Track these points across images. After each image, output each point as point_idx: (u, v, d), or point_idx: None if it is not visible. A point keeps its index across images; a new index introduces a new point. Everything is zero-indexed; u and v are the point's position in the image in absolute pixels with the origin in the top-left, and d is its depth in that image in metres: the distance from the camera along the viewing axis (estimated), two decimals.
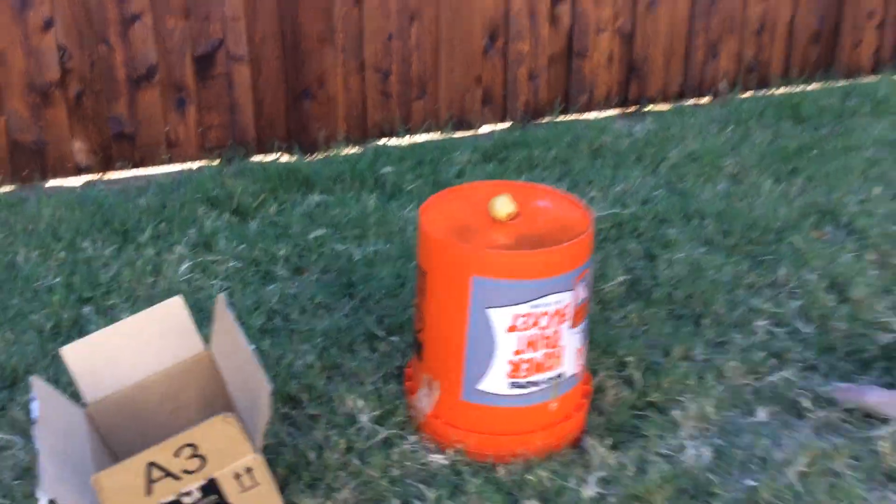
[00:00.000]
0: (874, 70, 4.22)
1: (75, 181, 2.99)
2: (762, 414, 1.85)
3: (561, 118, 3.60)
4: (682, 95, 3.86)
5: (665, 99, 3.84)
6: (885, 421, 1.80)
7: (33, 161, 2.95)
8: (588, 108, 3.70)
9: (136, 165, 3.08)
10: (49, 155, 2.96)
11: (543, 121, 3.60)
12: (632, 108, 3.78)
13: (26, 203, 2.73)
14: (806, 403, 1.87)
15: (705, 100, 3.88)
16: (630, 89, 3.75)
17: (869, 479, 1.68)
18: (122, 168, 3.05)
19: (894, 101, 3.66)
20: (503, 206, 1.66)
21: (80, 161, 3.01)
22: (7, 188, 2.91)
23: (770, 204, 2.75)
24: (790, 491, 1.61)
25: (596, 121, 3.54)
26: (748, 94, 3.91)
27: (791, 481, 1.64)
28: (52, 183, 2.97)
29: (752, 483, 1.64)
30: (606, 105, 3.73)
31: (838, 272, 2.35)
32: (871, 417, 1.82)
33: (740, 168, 3.04)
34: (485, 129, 3.52)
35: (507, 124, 3.56)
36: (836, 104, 3.67)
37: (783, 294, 2.27)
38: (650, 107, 3.78)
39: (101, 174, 3.05)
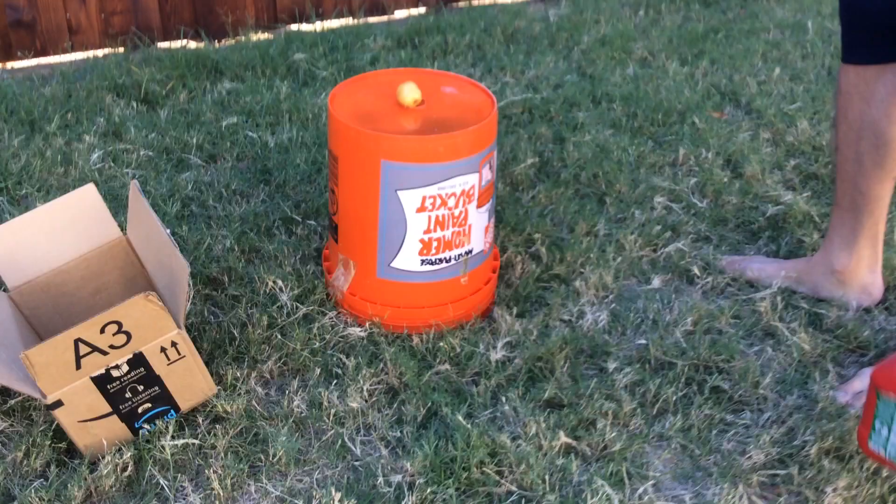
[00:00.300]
0: None
1: None
2: (657, 281, 2.00)
3: (477, 2, 3.60)
4: None
5: None
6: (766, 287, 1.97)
7: None
8: None
9: (38, 54, 2.97)
10: None
11: (459, 4, 3.59)
12: None
13: None
14: (696, 271, 2.03)
15: None
16: None
17: (749, 335, 1.86)
18: (23, 57, 2.94)
19: None
20: (410, 92, 1.71)
21: None
22: None
23: (675, 87, 2.86)
24: (676, 347, 1.78)
25: (511, 5, 3.55)
26: None
27: (678, 339, 1.81)
28: None
29: (643, 342, 1.80)
30: None
31: (734, 150, 2.49)
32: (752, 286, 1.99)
33: (649, 52, 3.12)
34: (399, 13, 3.50)
35: (421, 9, 3.54)
36: None
37: (681, 172, 2.41)
38: None
39: (2, 64, 2.94)
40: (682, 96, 2.78)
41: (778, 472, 1.53)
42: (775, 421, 1.64)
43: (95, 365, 1.40)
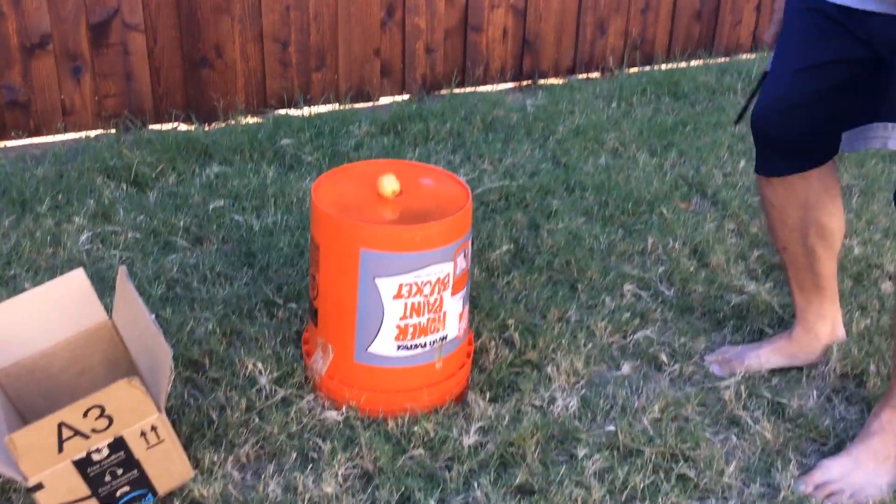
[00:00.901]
0: (752, 49, 4.54)
1: None
2: (626, 368, 2.07)
3: (458, 90, 3.75)
4: (573, 70, 4.07)
5: (557, 73, 4.04)
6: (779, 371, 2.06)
7: None
8: (484, 81, 3.87)
9: (31, 134, 3.06)
10: None
11: (441, 92, 3.74)
12: (526, 82, 3.96)
13: None
14: (664, 358, 2.10)
15: (595, 74, 4.10)
16: (524, 63, 3.93)
17: (714, 423, 1.92)
18: (17, 137, 3.03)
19: None
20: (389, 184, 1.80)
21: None
22: None
23: (645, 177, 2.99)
24: (644, 435, 1.83)
25: (491, 94, 3.70)
26: (634, 70, 4.15)
27: (646, 426, 1.86)
28: None
29: (612, 428, 1.85)
30: (502, 78, 3.90)
31: (700, 239, 2.60)
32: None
33: (620, 142, 3.26)
34: (384, 100, 3.64)
35: (405, 96, 3.69)
36: (712, 81, 3.94)
37: (650, 260, 2.51)
38: (543, 81, 3.97)
39: None
40: (651, 186, 2.91)
41: None
42: None
43: (77, 448, 1.44)
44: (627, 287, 2.35)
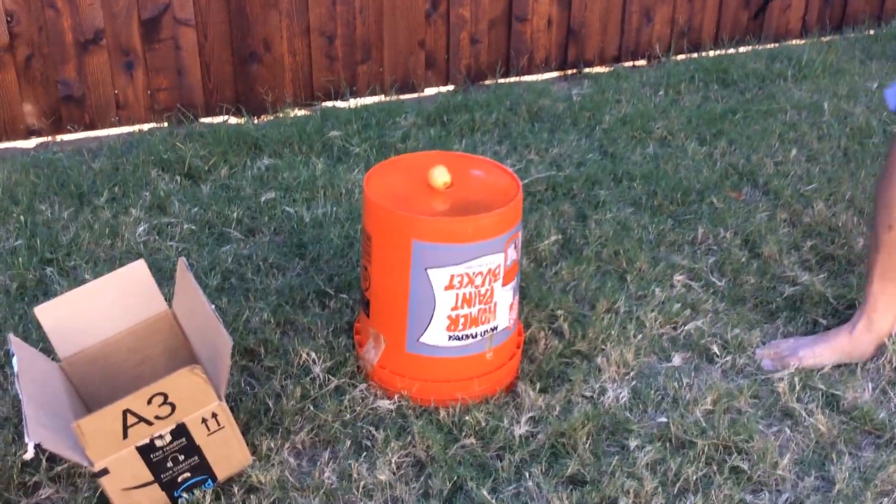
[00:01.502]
0: (802, 34, 4.45)
1: (27, 144, 3.05)
2: (677, 359, 2.06)
3: (503, 80, 3.75)
4: (618, 59, 4.03)
5: (602, 62, 4.01)
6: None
7: None
8: (528, 71, 3.85)
9: (86, 128, 3.14)
10: (0, 118, 3.01)
11: (486, 83, 3.74)
12: (571, 71, 3.94)
13: None
14: (716, 350, 2.09)
15: (641, 62, 4.06)
16: (569, 52, 3.90)
17: (767, 415, 1.91)
18: (72, 131, 3.11)
19: (817, 64, 3.89)
20: (440, 175, 1.82)
21: (32, 124, 3.06)
22: None
23: (694, 166, 2.96)
24: (696, 427, 1.83)
25: (536, 83, 3.69)
26: (681, 57, 4.10)
27: (698, 418, 1.86)
28: (5, 145, 3.02)
29: (664, 420, 1.85)
30: (546, 68, 3.89)
31: (751, 230, 2.57)
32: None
33: (669, 131, 3.23)
34: (429, 91, 3.65)
35: (450, 87, 3.69)
36: (762, 68, 3.88)
37: (700, 251, 2.48)
38: (588, 70, 3.95)
39: (52, 137, 3.10)
40: (700, 176, 2.88)
41: None
42: (793, 502, 1.68)
43: (141, 435, 1.48)
44: (677, 277, 2.34)
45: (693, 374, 2.01)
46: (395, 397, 1.88)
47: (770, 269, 2.39)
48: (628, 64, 4.04)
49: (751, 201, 2.76)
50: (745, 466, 1.73)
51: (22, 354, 1.56)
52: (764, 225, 2.59)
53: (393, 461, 1.71)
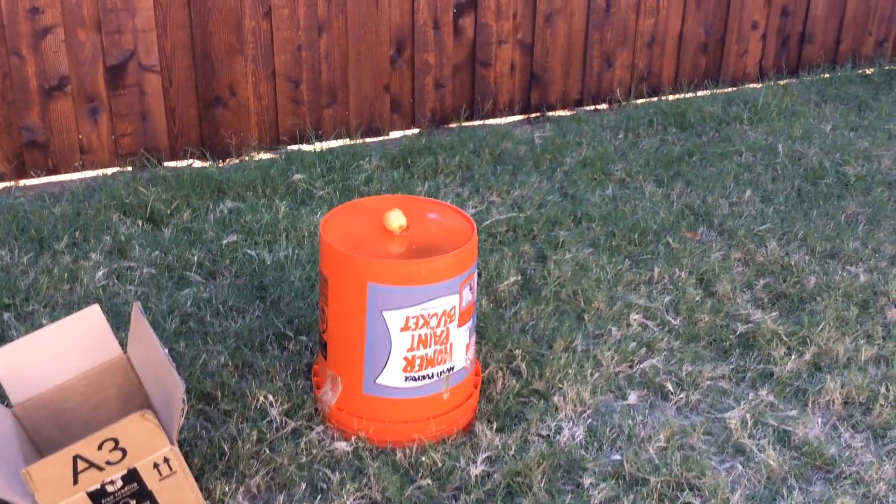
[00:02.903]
0: (759, 78, 4.58)
1: None
2: (633, 397, 2.09)
3: (467, 123, 3.82)
4: (580, 102, 4.13)
5: (565, 105, 4.10)
6: None
7: None
8: (493, 115, 3.93)
9: (49, 172, 3.14)
10: None
11: (451, 126, 3.80)
12: (534, 115, 4.02)
13: None
14: (670, 387, 2.12)
15: (603, 106, 4.16)
16: (532, 96, 3.99)
17: (720, 451, 1.94)
18: (35, 176, 3.11)
19: (773, 107, 4.00)
20: (395, 219, 1.85)
21: None
22: None
23: (651, 207, 3.02)
24: (650, 464, 1.85)
25: (499, 127, 3.76)
26: (641, 101, 4.20)
27: (652, 455, 1.88)
28: None
29: (618, 458, 1.87)
30: (510, 111, 3.96)
31: (706, 269, 2.62)
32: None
33: (627, 173, 3.30)
34: (394, 134, 3.71)
35: (415, 130, 3.75)
36: (719, 111, 3.98)
37: (657, 290, 2.53)
38: (551, 113, 4.03)
39: (14, 182, 3.10)
40: (657, 217, 2.94)
41: None
42: None
43: (92, 480, 1.47)
44: (634, 317, 2.38)
45: (648, 411, 2.04)
46: (353, 439, 1.89)
47: (724, 308, 2.44)
48: (590, 107, 4.14)
49: (706, 241, 2.82)
50: (697, 503, 1.76)
51: None
52: (718, 264, 2.65)
53: None
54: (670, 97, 4.27)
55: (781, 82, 4.51)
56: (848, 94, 4.30)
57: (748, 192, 3.16)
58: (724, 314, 2.42)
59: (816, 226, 2.92)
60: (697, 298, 2.48)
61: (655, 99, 4.24)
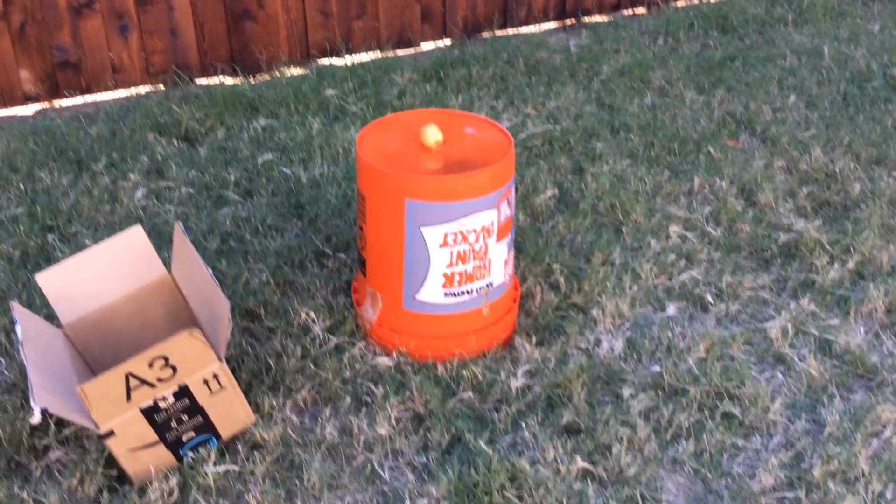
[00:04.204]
0: None
1: (25, 110, 3.06)
2: (671, 309, 2.09)
3: (500, 32, 3.71)
4: (618, 7, 3.98)
5: (602, 10, 3.96)
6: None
7: None
8: (526, 22, 3.81)
9: (83, 92, 3.14)
10: None
11: (483, 35, 3.70)
12: (569, 21, 3.90)
13: None
14: (710, 298, 2.11)
15: (641, 10, 4.01)
16: (567, 1, 3.86)
17: (760, 361, 1.94)
18: (69, 96, 3.11)
19: (818, 7, 3.83)
20: (432, 134, 1.83)
21: (28, 90, 3.07)
22: None
23: (692, 115, 2.95)
24: (689, 374, 1.86)
25: (534, 35, 3.66)
26: (681, 3, 4.05)
27: (691, 365, 1.89)
28: (3, 113, 3.03)
29: (657, 369, 1.88)
30: (545, 18, 3.84)
31: (748, 178, 2.57)
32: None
33: (667, 81, 3.21)
34: (425, 45, 3.63)
35: (447, 41, 3.66)
36: (762, 13, 3.83)
37: (696, 201, 2.49)
38: (587, 19, 3.90)
39: (49, 102, 3.11)
40: (698, 125, 2.87)
41: (786, 494, 1.61)
42: (784, 445, 1.71)
43: (144, 397, 1.52)
44: (673, 228, 2.35)
45: (687, 323, 2.04)
46: (394, 354, 1.92)
47: (766, 218, 2.40)
48: (628, 12, 3.99)
49: (748, 149, 2.76)
50: (736, 412, 1.77)
51: (25, 322, 1.59)
52: (760, 173, 2.59)
53: (392, 416, 1.76)
54: None
55: None
56: None
57: (792, 98, 3.06)
58: (766, 224, 2.38)
59: (862, 131, 2.83)
60: (739, 208, 2.43)
61: (696, 1, 4.08)
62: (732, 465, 1.67)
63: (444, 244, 1.79)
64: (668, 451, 1.70)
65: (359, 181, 1.86)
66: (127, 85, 3.18)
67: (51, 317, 1.82)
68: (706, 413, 1.78)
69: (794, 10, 3.85)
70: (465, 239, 1.80)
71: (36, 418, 1.38)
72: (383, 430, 1.72)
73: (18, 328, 1.55)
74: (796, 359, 1.92)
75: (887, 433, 1.72)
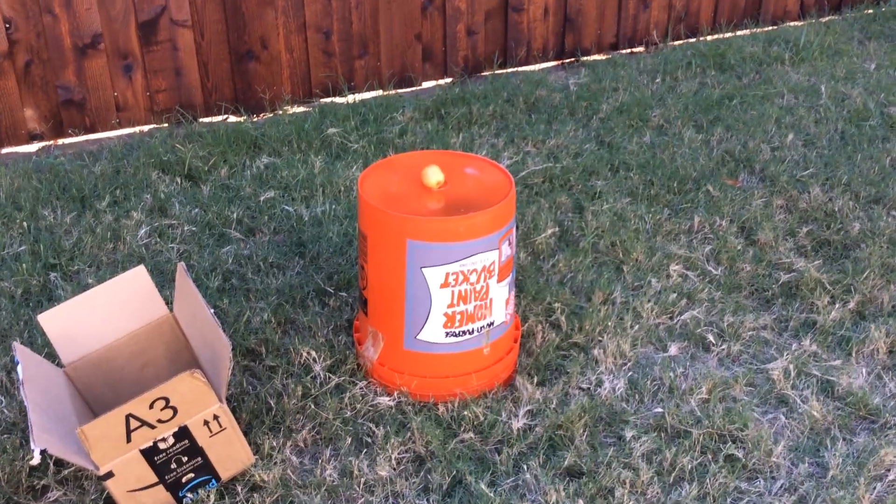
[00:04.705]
0: (800, 16, 4.43)
1: (29, 148, 3.08)
2: (673, 349, 2.08)
3: (500, 71, 3.76)
4: (616, 46, 4.04)
5: (600, 50, 4.01)
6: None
7: None
8: (526, 61, 3.86)
9: (87, 131, 3.17)
10: (1, 123, 3.04)
11: (483, 74, 3.74)
12: (569, 60, 3.95)
13: None
14: (712, 338, 2.11)
15: (639, 49, 4.06)
16: (566, 41, 3.91)
17: (763, 403, 1.93)
18: (73, 134, 3.14)
19: (815, 46, 3.88)
20: (433, 175, 1.84)
21: (33, 128, 3.09)
22: None
23: (690, 154, 2.97)
24: (692, 416, 1.85)
25: (533, 73, 3.70)
26: (678, 43, 4.10)
27: (693, 407, 1.88)
28: (7, 150, 3.05)
29: (660, 410, 1.88)
30: (544, 57, 3.89)
31: (748, 217, 2.58)
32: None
33: (665, 119, 3.24)
34: (426, 84, 3.66)
35: (448, 80, 3.70)
36: (759, 52, 3.87)
37: (697, 240, 2.50)
38: (586, 58, 3.95)
39: (53, 141, 3.13)
40: (697, 164, 2.89)
41: None
42: (787, 489, 1.70)
43: (144, 438, 1.52)
44: (674, 267, 2.36)
45: (689, 363, 2.04)
46: (395, 394, 1.91)
47: (766, 256, 2.41)
48: (626, 51, 4.04)
49: (747, 188, 2.77)
50: (739, 454, 1.76)
51: (27, 361, 1.59)
52: (760, 212, 2.60)
53: (393, 457, 1.75)
54: (709, 38, 4.16)
55: (823, 19, 4.36)
56: (893, 30, 4.16)
57: (790, 136, 3.08)
58: (767, 263, 2.39)
59: (861, 170, 2.85)
60: (739, 247, 2.44)
61: (693, 40, 4.14)
62: None
63: (446, 284, 1.80)
64: (671, 495, 1.68)
65: (360, 221, 1.87)
66: (131, 124, 3.21)
67: (52, 356, 1.82)
68: (709, 456, 1.77)
69: (790, 49, 3.89)
70: (466, 279, 1.80)
71: (35, 460, 1.38)
72: (384, 472, 1.71)
73: (20, 368, 1.55)
74: (799, 400, 1.91)
75: (891, 476, 1.71)
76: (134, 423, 1.48)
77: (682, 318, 2.18)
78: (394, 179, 1.91)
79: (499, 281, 1.86)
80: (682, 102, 3.36)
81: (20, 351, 1.61)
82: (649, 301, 2.22)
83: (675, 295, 2.24)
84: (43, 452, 1.38)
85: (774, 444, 1.79)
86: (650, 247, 2.46)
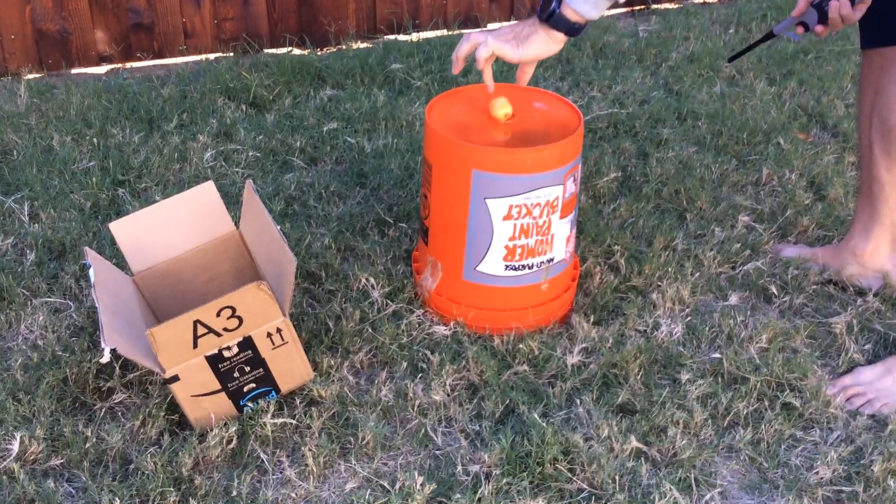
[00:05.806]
0: None
1: (99, 70, 3.13)
2: (734, 298, 2.05)
3: None
4: None
5: None
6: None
7: (58, 50, 3.08)
8: None
9: (155, 56, 3.20)
10: (73, 44, 3.09)
11: None
12: (639, 7, 3.85)
13: (55, 90, 2.88)
14: (774, 290, 2.07)
15: None
16: None
17: (823, 355, 1.90)
18: (141, 58, 3.18)
19: None
20: (501, 107, 1.82)
21: (102, 50, 3.14)
22: (35, 75, 3.06)
23: (762, 106, 2.89)
24: (750, 363, 1.83)
25: (601, 19, 3.61)
26: None
27: (752, 355, 1.86)
28: (77, 71, 3.11)
29: (717, 356, 1.86)
30: (614, 3, 3.79)
31: (818, 172, 2.51)
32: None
33: (737, 70, 3.15)
34: (492, 26, 3.61)
35: (513, 21, 3.64)
36: None
37: (764, 192, 2.45)
38: (657, 6, 3.85)
39: (122, 64, 3.18)
40: (768, 116, 2.81)
41: (843, 488, 1.58)
42: (844, 440, 1.68)
43: (210, 345, 1.56)
44: (739, 218, 2.31)
45: (749, 312, 2.01)
46: (451, 324, 1.92)
47: (834, 212, 2.35)
48: (698, 0, 3.93)
49: (819, 143, 2.69)
50: (797, 403, 1.74)
51: (98, 266, 1.64)
52: (831, 167, 2.53)
53: (447, 383, 1.77)
54: None
55: None
56: None
57: None
58: (835, 218, 2.33)
59: None
60: (807, 202, 2.38)
61: None
62: (790, 456, 1.65)
63: (508, 217, 1.79)
64: (724, 438, 1.68)
65: (426, 149, 1.87)
66: (198, 51, 3.24)
67: (120, 266, 1.87)
68: (766, 403, 1.75)
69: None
70: (529, 213, 1.79)
71: (105, 358, 1.42)
72: (438, 397, 1.73)
73: (91, 271, 1.59)
74: (860, 355, 1.88)
75: None
76: (201, 330, 1.52)
77: (745, 268, 2.14)
78: (461, 110, 1.90)
79: (561, 217, 1.84)
80: (755, 55, 3.26)
81: (92, 256, 1.66)
82: (711, 250, 2.19)
83: (738, 245, 2.20)
84: (112, 352, 1.43)
85: (833, 396, 1.76)
86: (715, 196, 2.41)
